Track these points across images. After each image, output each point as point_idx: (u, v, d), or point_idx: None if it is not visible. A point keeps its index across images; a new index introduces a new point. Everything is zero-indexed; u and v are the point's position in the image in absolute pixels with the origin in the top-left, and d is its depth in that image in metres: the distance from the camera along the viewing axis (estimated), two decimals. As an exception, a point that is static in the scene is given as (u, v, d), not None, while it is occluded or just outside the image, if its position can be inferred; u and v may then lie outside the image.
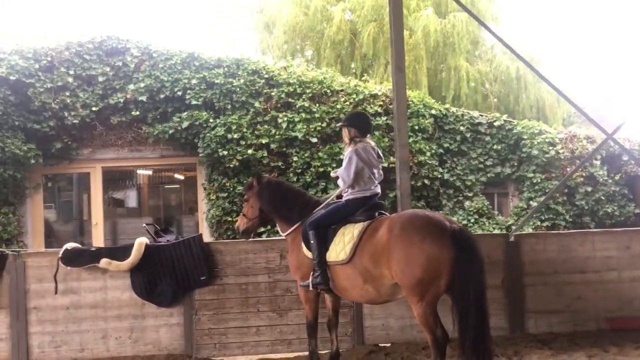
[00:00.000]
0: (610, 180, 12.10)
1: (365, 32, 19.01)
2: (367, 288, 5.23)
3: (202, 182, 12.43)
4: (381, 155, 5.76)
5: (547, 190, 12.09)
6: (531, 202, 12.15)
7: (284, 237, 6.25)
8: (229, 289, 6.69)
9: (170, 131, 11.87)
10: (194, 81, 11.96)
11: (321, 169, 11.58)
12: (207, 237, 12.00)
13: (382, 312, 6.76)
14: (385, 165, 11.36)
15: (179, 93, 11.97)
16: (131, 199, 17.75)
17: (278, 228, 6.25)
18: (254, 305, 6.70)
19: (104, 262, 6.43)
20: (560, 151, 12.15)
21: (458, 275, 4.79)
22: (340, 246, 5.39)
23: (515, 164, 12.48)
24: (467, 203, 12.19)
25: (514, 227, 10.10)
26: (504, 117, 12.76)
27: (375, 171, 5.63)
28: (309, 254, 5.63)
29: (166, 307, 6.57)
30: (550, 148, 12.17)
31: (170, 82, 11.99)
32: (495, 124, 12.41)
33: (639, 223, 12.02)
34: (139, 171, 15.94)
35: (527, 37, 21.09)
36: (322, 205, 5.86)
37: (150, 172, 16.28)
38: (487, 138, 12.40)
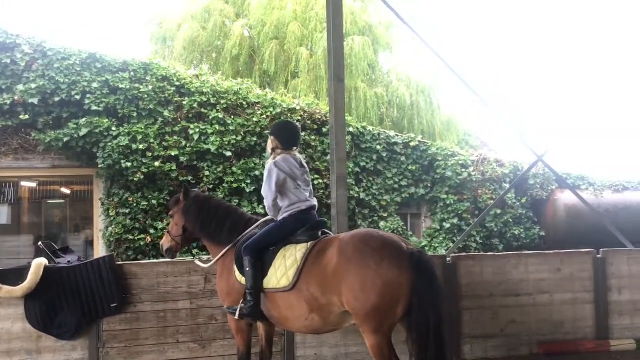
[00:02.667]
0: (517, 204, 12.43)
1: (267, 50, 19.27)
2: (312, 317, 4.65)
3: (99, 197, 11.24)
4: (304, 164, 5.22)
5: (459, 212, 12.21)
6: (444, 224, 12.19)
7: (205, 266, 5.58)
8: (144, 317, 5.86)
9: (65, 139, 10.64)
10: (95, 85, 10.84)
11: (235, 185, 10.88)
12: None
13: (315, 341, 6.22)
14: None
15: (77, 97, 10.80)
16: (9, 214, 15.92)
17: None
18: (173, 336, 5.91)
19: (-8, 287, 5.36)
20: (473, 173, 12.33)
21: (417, 302, 4.37)
22: (282, 271, 4.78)
23: (429, 184, 12.49)
24: (382, 223, 11.98)
25: (443, 249, 9.91)
26: (419, 137, 12.78)
27: (301, 183, 5.09)
28: (241, 279, 4.98)
29: (68, 339, 5.62)
30: (463, 170, 12.32)
31: (67, 85, 10.80)
32: (411, 144, 12.38)
33: (543, 245, 12.44)
34: (22, 183, 14.30)
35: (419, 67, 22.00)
36: (256, 225, 5.25)
37: (34, 185, 14.68)
38: (403, 158, 12.33)
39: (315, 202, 5.14)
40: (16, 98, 10.62)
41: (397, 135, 12.55)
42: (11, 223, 15.57)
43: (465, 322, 6.56)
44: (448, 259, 6.64)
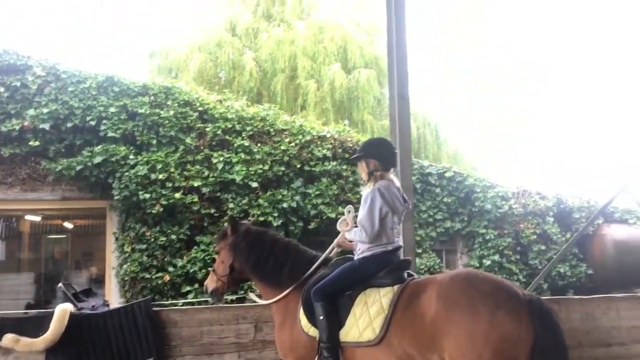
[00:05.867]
0: (562, 239, 11.59)
1: (278, 83, 18.95)
2: None
3: (113, 231, 10.34)
4: (407, 199, 4.46)
5: (500, 248, 11.35)
6: (483, 260, 11.30)
7: (262, 303, 4.72)
8: (186, 374, 4.94)
9: (78, 167, 9.81)
10: (111, 109, 10.07)
11: (261, 218, 9.99)
12: (116, 298, 9.94)
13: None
14: (333, 215, 10.32)
15: (92, 123, 10.02)
16: (6, 250, 14.98)
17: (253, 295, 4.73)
18: (219, 396, 4.99)
19: (9, 338, 4.50)
20: (514, 206, 11.51)
21: None
22: (365, 321, 3.94)
23: (466, 218, 11.64)
24: (416, 260, 11.08)
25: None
26: (455, 167, 12.00)
27: (397, 221, 4.32)
28: (309, 330, 4.13)
29: (97, 402, 4.68)
30: (504, 203, 11.50)
31: (82, 110, 10.04)
32: (446, 174, 11.57)
33: (590, 284, 11.57)
34: (27, 217, 13.39)
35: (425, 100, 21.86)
36: (318, 262, 4.40)
37: (38, 218, 13.77)
38: (438, 190, 11.50)
39: (401, 242, 4.34)
40: (26, 123, 9.85)
41: (431, 165, 11.76)
42: (10, 260, 14.67)
43: (551, 376, 5.64)
44: (529, 303, 5.76)
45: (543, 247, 11.45)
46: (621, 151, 24.34)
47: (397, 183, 4.40)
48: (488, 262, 11.24)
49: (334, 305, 4.10)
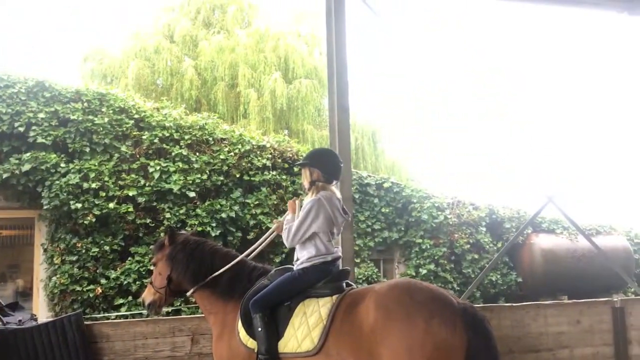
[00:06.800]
0: (494, 248, 11.98)
1: (218, 90, 18.89)
2: None
3: (41, 242, 9.91)
4: (347, 211, 4.51)
5: (435, 257, 11.60)
6: (420, 270, 11.53)
7: (199, 315, 4.66)
8: (118, 390, 4.79)
9: (4, 175, 9.38)
10: (41, 115, 9.67)
11: (199, 229, 9.81)
12: (44, 312, 9.53)
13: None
14: (272, 225, 10.26)
15: (21, 129, 9.59)
16: None
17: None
18: (153, 412, 4.85)
19: None
20: (449, 216, 11.81)
21: None
22: (303, 331, 3.96)
23: (403, 228, 11.85)
24: (355, 270, 11.17)
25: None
26: (393, 178, 12.20)
27: (336, 232, 4.37)
28: (248, 342, 4.11)
29: (21, 423, 4.45)
30: (439, 213, 11.78)
31: (10, 115, 9.59)
32: (384, 185, 11.75)
33: (519, 292, 12.00)
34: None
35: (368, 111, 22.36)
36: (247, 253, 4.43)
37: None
38: (376, 200, 11.66)
39: (340, 252, 4.38)
40: (-52, 129, 9.32)
41: (370, 176, 11.90)
42: None
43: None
44: (463, 310, 5.91)
45: (476, 256, 11.80)
46: (548, 163, 25.48)
47: (339, 195, 4.43)
48: (424, 271, 11.48)
49: (272, 316, 4.08)
